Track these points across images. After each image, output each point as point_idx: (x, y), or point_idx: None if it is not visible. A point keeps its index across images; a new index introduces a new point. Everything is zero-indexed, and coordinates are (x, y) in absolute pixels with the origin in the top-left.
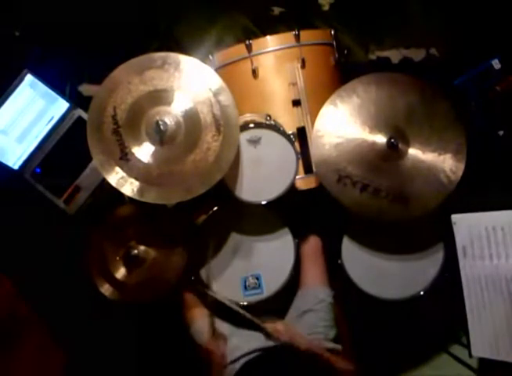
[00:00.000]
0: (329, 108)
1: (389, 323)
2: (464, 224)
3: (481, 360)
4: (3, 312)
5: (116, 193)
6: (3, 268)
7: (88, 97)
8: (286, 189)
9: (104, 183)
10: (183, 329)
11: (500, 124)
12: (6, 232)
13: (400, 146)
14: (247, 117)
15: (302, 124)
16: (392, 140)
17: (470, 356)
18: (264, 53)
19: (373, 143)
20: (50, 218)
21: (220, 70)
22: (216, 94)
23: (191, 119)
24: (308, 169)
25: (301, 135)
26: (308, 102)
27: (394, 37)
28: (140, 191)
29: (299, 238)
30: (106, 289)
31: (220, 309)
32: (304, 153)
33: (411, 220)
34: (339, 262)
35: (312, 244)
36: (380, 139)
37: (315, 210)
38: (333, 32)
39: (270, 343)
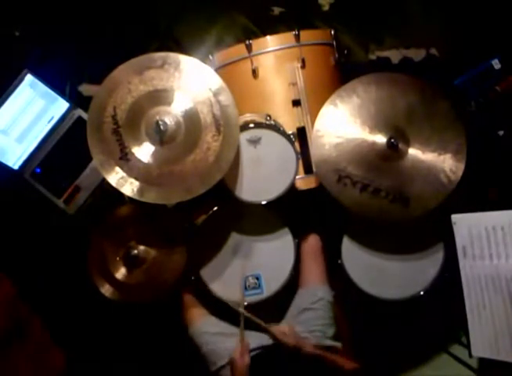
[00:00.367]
0: (329, 108)
1: (389, 323)
2: (464, 224)
3: (481, 360)
4: (3, 313)
5: (116, 193)
6: (3, 268)
7: (88, 97)
8: (286, 189)
9: (104, 183)
10: (183, 329)
11: (500, 124)
12: (6, 232)
13: (400, 146)
14: (247, 117)
15: (302, 124)
16: (392, 140)
17: (470, 356)
18: (264, 53)
19: (373, 143)
20: (50, 218)
21: (220, 70)
22: (216, 94)
23: (191, 119)
24: (308, 169)
25: (301, 135)
26: (308, 102)
27: (394, 37)
28: (140, 191)
29: (299, 237)
30: (106, 289)
31: (219, 309)
32: (304, 153)
33: (411, 220)
34: (339, 262)
35: (312, 242)
36: (380, 139)
37: (315, 210)
38: (333, 32)
39: (270, 342)
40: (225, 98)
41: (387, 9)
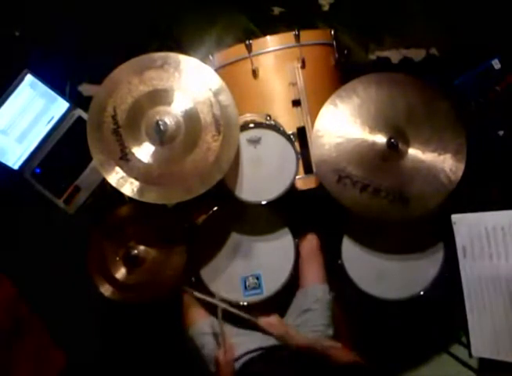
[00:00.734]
0: (329, 108)
1: (389, 323)
2: (464, 224)
3: (481, 360)
4: (3, 313)
5: (116, 193)
6: (3, 268)
7: (88, 97)
8: (286, 189)
9: (104, 183)
10: (182, 330)
11: (500, 124)
12: (6, 232)
13: (400, 146)
14: (247, 117)
15: (302, 124)
16: (392, 140)
17: (470, 356)
18: (264, 53)
19: (373, 143)
20: (50, 218)
21: (220, 70)
22: (216, 94)
23: (191, 119)
24: (308, 169)
25: (301, 135)
26: (308, 102)
27: (394, 37)
28: (140, 191)
29: (297, 237)
30: (106, 289)
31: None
32: (304, 153)
33: (411, 220)
34: (339, 262)
35: (310, 241)
36: (380, 139)
37: (315, 210)
38: (333, 32)
39: (270, 342)
40: (225, 98)
41: (387, 9)
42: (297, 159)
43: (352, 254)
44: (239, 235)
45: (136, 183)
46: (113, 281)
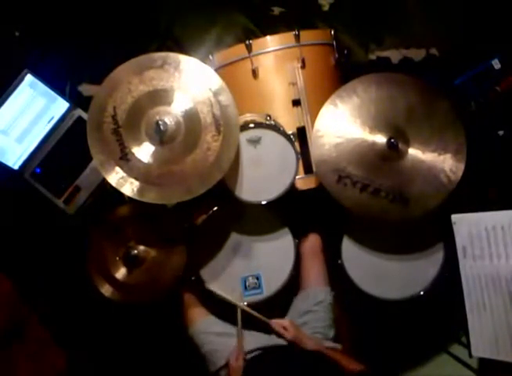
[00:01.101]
0: (329, 108)
1: (389, 323)
2: (464, 224)
3: (481, 360)
4: (3, 312)
5: (116, 193)
6: (3, 268)
7: (88, 97)
8: (286, 189)
9: (104, 183)
10: (182, 329)
11: (500, 124)
12: (6, 232)
13: (400, 146)
14: (247, 117)
15: (302, 124)
16: (392, 140)
17: (470, 356)
18: (264, 53)
19: (373, 143)
20: (50, 218)
21: (220, 70)
22: (216, 94)
23: (191, 119)
24: (308, 169)
25: (301, 135)
26: (308, 102)
27: (394, 37)
28: (140, 191)
29: (299, 237)
30: (106, 289)
31: (220, 309)
32: (304, 153)
33: (411, 220)
34: (339, 262)
35: (312, 242)
36: (380, 139)
37: (315, 210)
38: (333, 32)
39: (272, 342)
40: (225, 98)
41: (387, 9)
42: (297, 159)
43: (352, 254)
44: (239, 235)
45: (136, 183)
46: (113, 281)
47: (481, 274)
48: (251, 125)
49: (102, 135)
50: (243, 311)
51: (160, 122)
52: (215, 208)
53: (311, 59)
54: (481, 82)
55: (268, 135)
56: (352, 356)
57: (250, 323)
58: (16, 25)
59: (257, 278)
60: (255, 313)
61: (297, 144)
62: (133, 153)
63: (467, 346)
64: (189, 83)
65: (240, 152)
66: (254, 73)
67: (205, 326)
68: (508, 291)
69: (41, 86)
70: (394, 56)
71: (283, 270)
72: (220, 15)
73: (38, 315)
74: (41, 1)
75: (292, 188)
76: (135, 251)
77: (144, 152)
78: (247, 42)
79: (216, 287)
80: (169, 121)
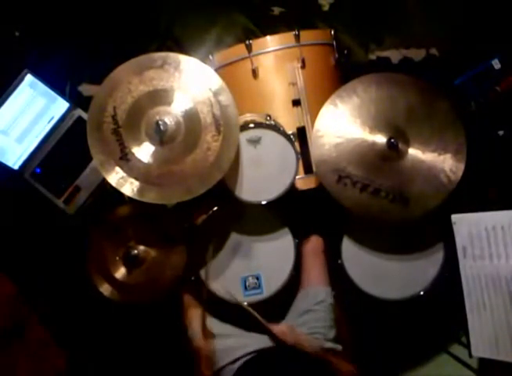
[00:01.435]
0: (329, 108)
1: (389, 323)
2: (464, 224)
3: (481, 360)
4: (3, 312)
5: (116, 193)
6: (3, 268)
7: (88, 97)
8: (286, 189)
9: (104, 183)
10: (182, 330)
11: (500, 124)
12: (6, 232)
13: (400, 146)
14: (247, 117)
15: (302, 124)
16: (392, 140)
17: (470, 356)
18: (264, 53)
19: (373, 143)
20: (50, 218)
21: (220, 70)
22: (216, 94)
23: (191, 119)
24: (308, 169)
25: (301, 135)
26: (308, 102)
27: (394, 37)
28: (140, 191)
29: (301, 238)
30: (105, 289)
31: (220, 310)
32: (304, 153)
33: (411, 220)
34: (339, 262)
35: (314, 243)
36: (380, 139)
37: (315, 210)
38: (333, 32)
39: (269, 344)
40: (225, 98)
41: (387, 8)
42: (297, 159)
43: (352, 254)
44: (239, 235)
45: (136, 183)
46: (112, 281)
47: (481, 274)
48: (251, 125)
49: (102, 135)
50: (243, 310)
51: (160, 122)
52: (215, 208)
53: (311, 59)
54: (481, 82)
55: (268, 135)
56: (350, 356)
57: (245, 321)
58: (16, 25)
59: (257, 278)
60: (257, 315)
61: (297, 144)
62: (133, 153)
63: (467, 346)
64: (189, 83)
65: (240, 152)
66: (254, 73)
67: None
68: (508, 291)
69: (41, 86)
70: (394, 56)
71: (283, 270)
72: (220, 15)
73: (38, 315)
74: (41, 1)
75: (292, 188)
76: (135, 251)
77: (144, 152)
78: (247, 42)
79: (216, 287)
80: (169, 121)
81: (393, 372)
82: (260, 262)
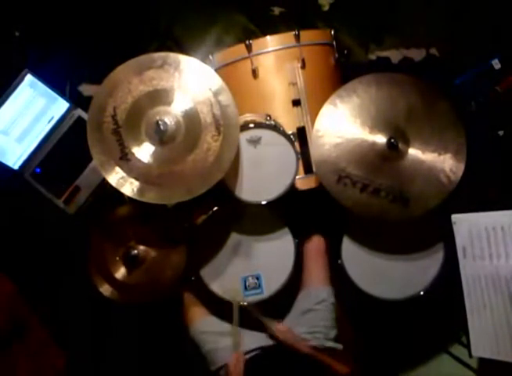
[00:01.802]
0: (329, 108)
1: (389, 323)
2: (464, 224)
3: (481, 360)
4: (4, 313)
5: (116, 193)
6: (3, 268)
7: (88, 97)
8: (286, 190)
9: (104, 183)
10: (183, 329)
11: (500, 124)
12: (6, 232)
13: (400, 146)
14: (247, 117)
15: (302, 124)
16: (392, 140)
17: (470, 356)
18: (264, 53)
19: (373, 143)
20: (50, 218)
21: (220, 70)
22: (216, 94)
23: (191, 119)
24: (308, 169)
25: (301, 135)
26: (308, 102)
27: (394, 37)
28: (140, 191)
29: (302, 237)
30: (105, 289)
31: (220, 309)
32: (304, 153)
33: (411, 220)
34: (339, 262)
35: (316, 243)
36: (380, 139)
37: (315, 210)
38: (333, 32)
39: (270, 342)
40: (225, 98)
41: (387, 9)
42: (297, 159)
43: (352, 254)
44: (239, 235)
45: (136, 183)
46: (112, 281)
47: (481, 274)
48: (251, 125)
49: (102, 136)
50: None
51: (160, 122)
52: (215, 208)
53: (311, 59)
54: (481, 82)
55: (268, 135)
56: (351, 356)
57: (247, 322)
58: (16, 25)
59: (257, 278)
60: (257, 313)
61: (297, 144)
62: (133, 153)
63: (467, 346)
64: (189, 83)
65: (240, 152)
66: (254, 73)
67: (205, 325)
68: (508, 291)
69: (41, 86)
70: (394, 56)
71: (283, 270)
72: (220, 15)
73: (38, 315)
74: (41, 2)
75: (292, 188)
76: (135, 251)
77: (144, 152)
78: (247, 42)
79: (216, 287)
80: (169, 121)
81: (393, 372)
82: (260, 262)
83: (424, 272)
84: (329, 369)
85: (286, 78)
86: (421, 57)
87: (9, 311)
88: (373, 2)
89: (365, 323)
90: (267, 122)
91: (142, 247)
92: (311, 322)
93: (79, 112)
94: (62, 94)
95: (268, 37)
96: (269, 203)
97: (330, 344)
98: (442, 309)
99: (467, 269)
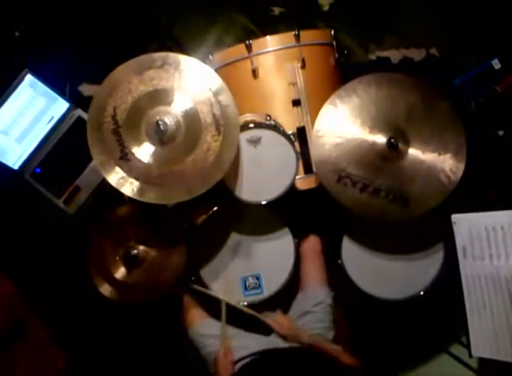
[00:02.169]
0: (329, 108)
1: (389, 323)
2: (464, 224)
3: (481, 360)
4: (4, 312)
5: (116, 193)
6: (3, 268)
7: (88, 97)
8: (286, 190)
9: (104, 183)
10: (182, 330)
11: (500, 124)
12: (7, 232)
13: (400, 146)
14: (247, 117)
15: (302, 124)
16: (392, 140)
17: (470, 356)
18: (264, 53)
19: (373, 143)
20: (50, 218)
21: (220, 70)
22: (216, 94)
23: (191, 119)
24: (308, 169)
25: (301, 135)
26: (308, 102)
27: (394, 37)
28: (140, 191)
29: (299, 238)
30: (105, 289)
31: (219, 311)
32: (304, 153)
33: (411, 220)
34: (339, 262)
35: (312, 243)
36: (380, 139)
37: (315, 210)
38: (333, 32)
39: (270, 346)
40: (225, 98)
41: (387, 9)
42: (297, 159)
43: (352, 254)
44: (239, 235)
45: (136, 183)
46: (112, 281)
47: (481, 274)
48: (251, 125)
49: (102, 136)
50: (237, 308)
51: (160, 122)
52: (215, 208)
53: (311, 59)
54: (481, 82)
55: (268, 135)
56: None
57: (246, 322)
58: (16, 25)
59: (257, 278)
60: (248, 310)
61: (297, 144)
62: (133, 153)
63: (467, 346)
64: (189, 83)
65: (240, 152)
66: (254, 73)
67: (204, 328)
68: (508, 291)
69: (41, 86)
70: (394, 56)
71: (283, 270)
72: (220, 15)
73: (38, 315)
74: (41, 2)
75: (292, 188)
76: (135, 251)
77: (144, 152)
78: (247, 42)
79: (216, 287)
80: (169, 121)
81: (393, 372)
82: (260, 262)
83: (424, 272)
84: (337, 362)
85: (286, 78)
86: (421, 57)
87: (9, 311)
88: (373, 2)
89: (365, 323)
90: (267, 122)
91: (142, 247)
92: (309, 324)
93: (79, 112)
94: (62, 94)
95: (268, 37)
96: (269, 203)
97: (329, 344)
98: (442, 309)
99: (467, 269)
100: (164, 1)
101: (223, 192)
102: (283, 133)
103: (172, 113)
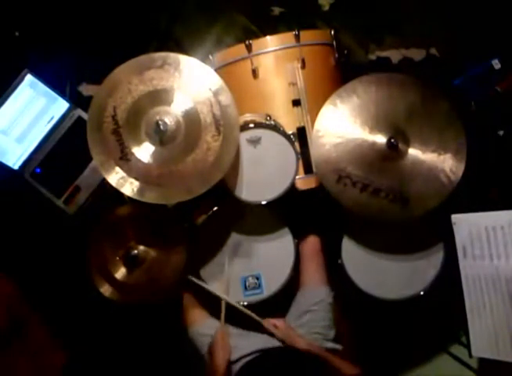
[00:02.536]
0: (329, 108)
1: (389, 323)
2: (464, 224)
3: (481, 360)
4: (3, 312)
5: (116, 193)
6: (3, 268)
7: (88, 97)
8: (286, 190)
9: (104, 183)
10: (182, 329)
11: (500, 124)
12: (6, 232)
13: (400, 146)
14: (247, 117)
15: (302, 124)
16: (392, 140)
17: (470, 356)
18: (264, 53)
19: (373, 143)
20: (50, 218)
21: (220, 70)
22: (216, 94)
23: (191, 119)
24: (308, 169)
25: (301, 135)
26: (308, 102)
27: (394, 37)
28: (140, 191)
29: (298, 238)
30: (105, 289)
31: (219, 311)
32: (304, 153)
33: (411, 220)
34: (339, 262)
35: (311, 243)
36: (380, 139)
37: (315, 210)
38: (333, 32)
39: (270, 345)
40: (225, 98)
41: (387, 9)
42: (297, 159)
43: (352, 254)
44: (239, 235)
45: (136, 183)
46: (112, 281)
47: (481, 274)
48: (251, 125)
49: (102, 136)
50: (236, 308)
51: (160, 122)
52: (215, 208)
53: (311, 59)
54: (481, 82)
55: (268, 135)
56: (352, 357)
57: (244, 322)
58: (16, 25)
59: (257, 278)
60: (244, 310)
61: (297, 144)
62: (133, 153)
63: (467, 346)
64: (189, 83)
65: (240, 152)
66: (254, 73)
67: (204, 328)
68: (508, 291)
69: (41, 86)
70: (394, 56)
71: (283, 270)
72: (220, 15)
73: (38, 315)
74: (42, 2)
75: (292, 188)
76: (135, 251)
77: (144, 152)
78: (247, 42)
79: (216, 287)
80: (169, 121)
81: (393, 372)
82: (260, 262)
83: (424, 272)
84: (335, 369)
85: (286, 78)
86: (421, 57)
87: (9, 311)
88: (372, 2)
89: (365, 323)
90: (267, 122)
91: (142, 247)
92: (309, 323)
93: (79, 112)
94: (62, 94)
95: (268, 37)
96: (269, 203)
97: (330, 345)
98: (442, 309)
99: (467, 269)
100: (164, 1)
101: (223, 192)
102: (283, 133)
103: (172, 113)
